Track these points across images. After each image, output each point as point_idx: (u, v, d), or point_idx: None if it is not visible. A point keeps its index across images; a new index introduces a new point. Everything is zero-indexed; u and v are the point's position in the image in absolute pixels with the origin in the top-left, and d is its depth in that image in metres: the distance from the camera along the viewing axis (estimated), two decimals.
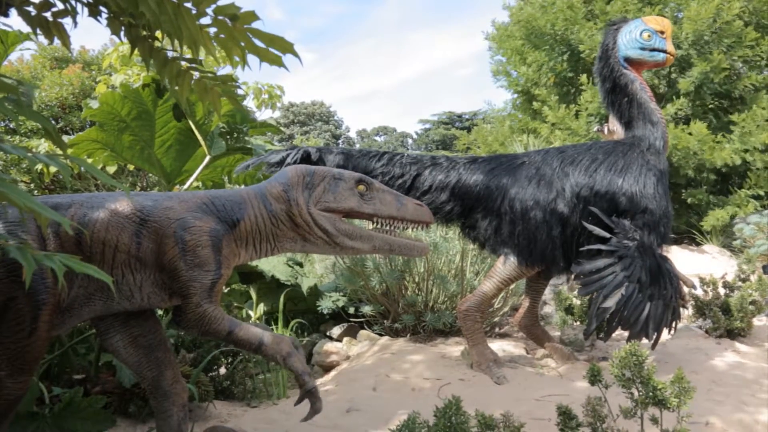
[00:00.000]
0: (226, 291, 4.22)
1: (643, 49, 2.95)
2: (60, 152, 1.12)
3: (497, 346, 3.41)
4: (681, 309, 2.87)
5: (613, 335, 2.77)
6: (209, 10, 1.14)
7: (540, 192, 2.83)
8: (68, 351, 2.38)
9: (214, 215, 1.70)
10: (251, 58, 1.21)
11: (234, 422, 2.41)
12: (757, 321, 3.61)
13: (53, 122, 6.46)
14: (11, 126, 6.50)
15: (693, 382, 1.58)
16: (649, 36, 2.94)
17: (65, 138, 3.45)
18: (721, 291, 3.57)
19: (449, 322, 3.59)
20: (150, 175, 5.85)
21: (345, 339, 3.98)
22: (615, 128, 3.16)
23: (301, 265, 4.64)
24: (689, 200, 6.71)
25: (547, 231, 2.79)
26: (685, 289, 3.05)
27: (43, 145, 4.61)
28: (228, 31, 1.17)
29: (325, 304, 4.01)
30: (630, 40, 2.97)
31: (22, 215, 1.48)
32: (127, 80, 3.99)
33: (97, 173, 1.11)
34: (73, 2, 1.21)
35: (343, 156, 2.94)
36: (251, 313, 4.34)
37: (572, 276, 2.84)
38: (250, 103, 5.18)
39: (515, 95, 9.07)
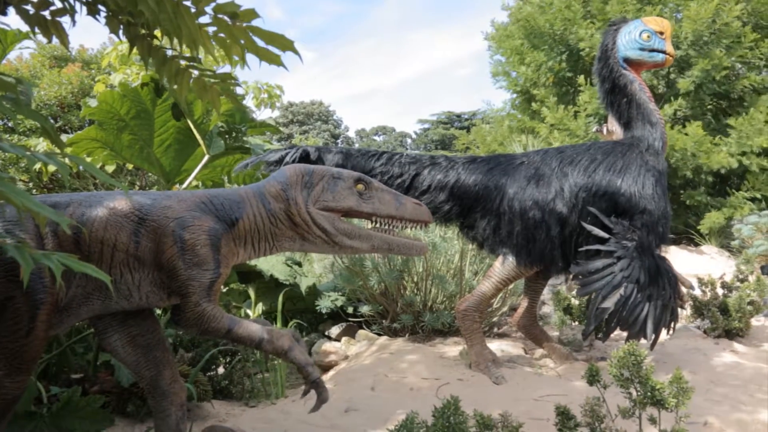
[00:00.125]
0: (224, 290, 4.21)
1: (642, 49, 2.96)
2: (58, 151, 1.12)
3: (496, 346, 3.42)
4: (679, 309, 2.87)
5: (612, 335, 2.77)
6: (208, 9, 1.14)
7: (539, 192, 2.83)
8: (66, 350, 2.38)
9: (213, 214, 1.70)
10: (251, 58, 1.21)
11: (232, 422, 2.40)
12: (755, 321, 3.61)
13: (52, 121, 6.45)
14: (10, 125, 6.49)
15: (691, 382, 1.59)
16: (648, 37, 2.95)
17: (64, 137, 3.44)
18: (720, 291, 3.58)
19: (448, 322, 3.58)
20: (149, 174, 5.85)
21: (343, 339, 3.98)
22: (614, 129, 3.16)
23: (299, 264, 4.64)
24: (687, 201, 6.72)
25: (546, 231, 2.79)
26: (684, 290, 3.05)
27: (41, 144, 4.60)
28: (227, 30, 1.17)
29: (324, 304, 4.01)
30: (629, 40, 2.97)
31: (20, 214, 1.48)
32: (125, 79, 3.98)
33: (95, 172, 1.11)
34: (71, 1, 1.20)
35: (342, 155, 2.94)
36: (249, 312, 4.34)
37: (571, 276, 2.84)
38: (249, 102, 5.18)
39: (514, 95, 9.08)
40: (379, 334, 3.85)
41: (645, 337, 2.61)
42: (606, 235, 2.71)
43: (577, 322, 3.59)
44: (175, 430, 1.78)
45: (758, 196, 6.63)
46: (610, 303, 2.59)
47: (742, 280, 3.69)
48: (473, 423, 1.55)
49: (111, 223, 1.60)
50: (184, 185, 3.35)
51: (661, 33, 2.96)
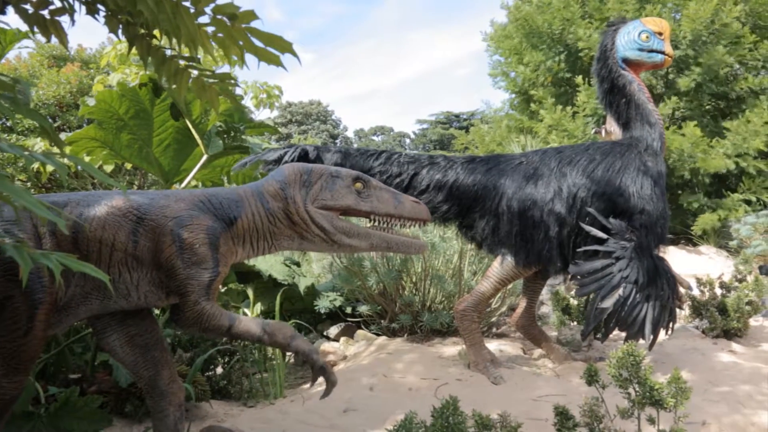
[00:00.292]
0: (222, 290, 4.21)
1: (641, 50, 2.96)
2: (57, 151, 1.12)
3: (494, 346, 3.42)
4: (677, 309, 2.87)
5: (611, 336, 2.78)
6: (208, 9, 1.14)
7: (537, 192, 2.83)
8: (64, 350, 2.38)
9: (211, 213, 1.70)
10: (250, 58, 1.21)
11: (231, 422, 2.40)
12: (754, 321, 3.62)
13: (50, 121, 6.44)
14: (8, 124, 6.48)
15: (690, 382, 1.59)
16: (647, 37, 2.95)
17: (62, 136, 3.44)
18: (718, 291, 3.58)
19: (446, 322, 3.58)
20: (148, 173, 5.84)
21: (342, 339, 3.98)
22: (613, 129, 3.16)
23: (298, 264, 4.63)
24: (684, 204, 6.73)
25: (545, 231, 2.79)
26: (682, 290, 3.05)
27: (39, 144, 4.60)
28: (226, 30, 1.17)
29: (322, 304, 4.01)
30: (628, 41, 2.97)
31: (18, 213, 1.47)
32: (124, 79, 3.98)
33: (93, 172, 1.11)
34: (70, 0, 1.20)
35: (341, 154, 2.93)
36: (248, 312, 4.34)
37: (569, 276, 2.84)
38: (248, 102, 5.18)
39: (513, 95, 9.09)
40: (378, 334, 3.85)
41: (643, 338, 2.61)
42: (604, 236, 2.72)
43: (575, 323, 3.59)
44: (173, 430, 1.78)
45: (753, 198, 6.64)
46: (608, 303, 2.59)
47: (740, 280, 3.69)
48: (472, 423, 1.55)
49: (109, 223, 1.60)
50: (183, 185, 3.35)
51: (660, 34, 2.97)
